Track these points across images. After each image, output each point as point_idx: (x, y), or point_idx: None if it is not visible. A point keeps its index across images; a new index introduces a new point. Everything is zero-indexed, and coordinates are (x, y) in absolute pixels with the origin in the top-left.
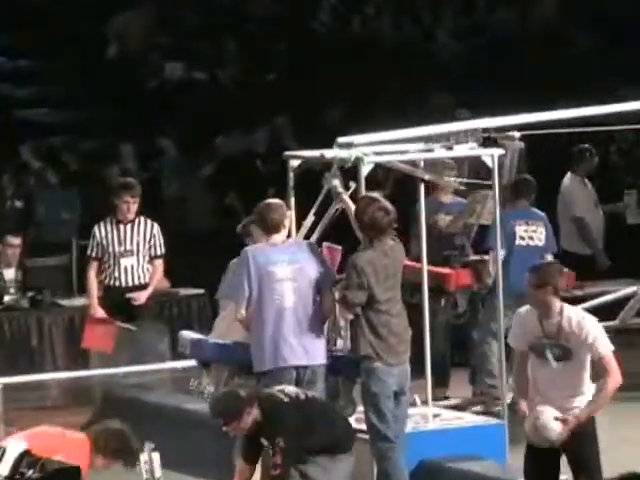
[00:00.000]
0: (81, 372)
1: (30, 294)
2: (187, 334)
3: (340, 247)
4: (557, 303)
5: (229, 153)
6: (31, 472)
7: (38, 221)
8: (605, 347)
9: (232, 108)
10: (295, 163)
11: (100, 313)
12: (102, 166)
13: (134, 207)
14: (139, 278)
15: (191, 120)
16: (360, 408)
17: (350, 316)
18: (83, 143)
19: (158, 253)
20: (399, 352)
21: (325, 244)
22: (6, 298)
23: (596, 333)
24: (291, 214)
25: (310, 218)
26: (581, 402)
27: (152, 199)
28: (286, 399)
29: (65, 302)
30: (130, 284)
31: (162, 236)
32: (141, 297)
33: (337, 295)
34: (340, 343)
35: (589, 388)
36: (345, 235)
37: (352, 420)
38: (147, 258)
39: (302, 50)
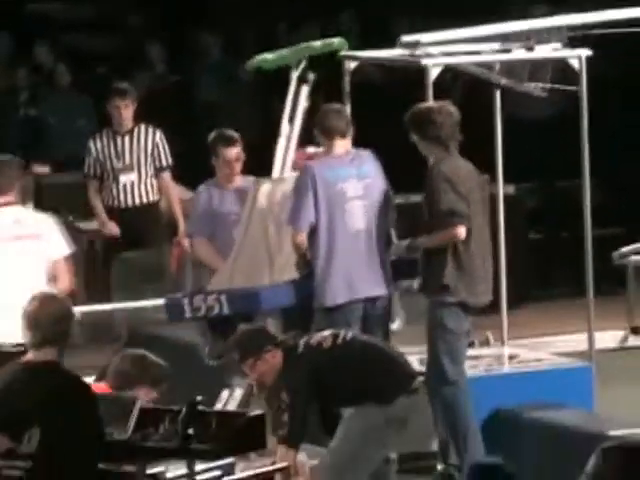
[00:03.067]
0: (103, 306)
1: None
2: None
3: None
4: None
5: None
6: None
7: (51, 131)
8: None
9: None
10: (352, 65)
11: (115, 230)
12: (126, 68)
13: (127, 113)
14: (141, 196)
15: (231, 14)
16: None
17: (463, 232)
18: (103, 41)
19: (164, 164)
20: (478, 292)
21: (310, 150)
22: None
23: None
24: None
25: (285, 125)
26: None
27: (184, 106)
28: (308, 349)
29: (84, 225)
30: (131, 204)
31: (167, 144)
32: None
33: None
34: None
35: None
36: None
37: None
38: (151, 172)
39: None
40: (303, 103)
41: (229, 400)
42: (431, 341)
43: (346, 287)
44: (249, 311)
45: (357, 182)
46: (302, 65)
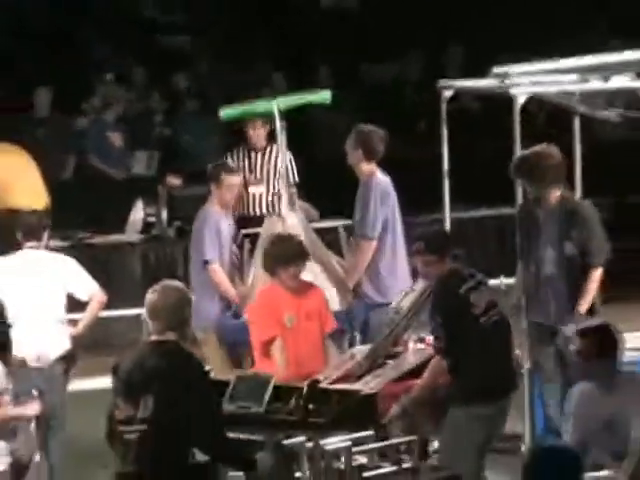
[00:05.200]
0: None
1: (177, 224)
2: None
3: None
4: None
5: (378, 81)
6: None
7: (184, 148)
8: None
9: (383, 34)
10: (448, 93)
11: None
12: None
13: (262, 132)
14: (267, 207)
15: (342, 48)
16: None
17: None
18: (232, 72)
19: (291, 181)
20: None
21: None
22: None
23: None
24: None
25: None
26: None
27: (302, 129)
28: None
29: None
30: (258, 213)
31: (295, 164)
32: None
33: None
34: None
35: None
36: None
37: None
38: (278, 187)
39: None
40: (283, 148)
41: (405, 297)
42: None
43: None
44: None
45: (396, 200)
46: (277, 116)
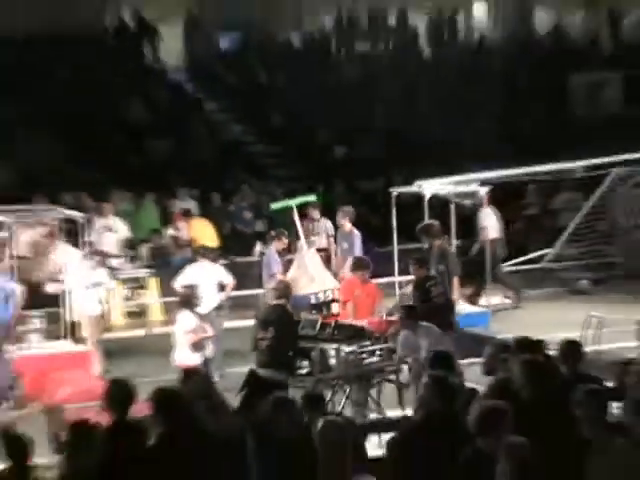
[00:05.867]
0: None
1: None
2: None
3: None
4: None
5: (365, 190)
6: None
7: (276, 221)
8: None
9: (367, 168)
10: (395, 194)
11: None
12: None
13: (313, 212)
14: (315, 242)
15: (347, 174)
16: None
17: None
18: (294, 185)
19: (330, 233)
20: None
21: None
22: None
23: None
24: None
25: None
26: None
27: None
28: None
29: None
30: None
31: (333, 228)
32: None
33: None
34: None
35: None
36: None
37: None
38: (324, 235)
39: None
40: (299, 224)
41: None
42: None
43: None
44: None
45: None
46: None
